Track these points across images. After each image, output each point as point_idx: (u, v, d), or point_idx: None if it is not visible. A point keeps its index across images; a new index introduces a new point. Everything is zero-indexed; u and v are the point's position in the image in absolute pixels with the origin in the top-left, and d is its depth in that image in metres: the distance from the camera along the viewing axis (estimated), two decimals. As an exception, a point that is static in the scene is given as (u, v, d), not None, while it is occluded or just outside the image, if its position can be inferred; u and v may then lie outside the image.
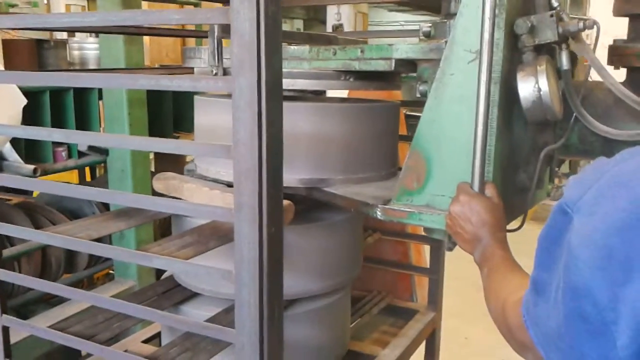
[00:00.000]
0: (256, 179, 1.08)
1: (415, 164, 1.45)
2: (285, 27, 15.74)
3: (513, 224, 1.52)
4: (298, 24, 16.38)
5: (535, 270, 0.80)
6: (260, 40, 1.03)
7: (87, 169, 4.30)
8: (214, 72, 1.57)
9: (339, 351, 1.94)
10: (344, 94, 2.58)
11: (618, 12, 1.50)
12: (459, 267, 2.89)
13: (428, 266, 2.51)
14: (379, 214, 1.49)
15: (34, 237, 1.50)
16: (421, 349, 2.47)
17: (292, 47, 1.61)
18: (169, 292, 1.88)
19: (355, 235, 1.92)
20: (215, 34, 1.36)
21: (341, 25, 9.15)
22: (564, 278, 0.69)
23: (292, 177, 1.59)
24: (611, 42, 1.54)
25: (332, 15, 8.73)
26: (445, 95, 1.38)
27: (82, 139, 1.88)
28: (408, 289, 2.67)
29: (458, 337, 4.49)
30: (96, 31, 3.31)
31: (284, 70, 1.11)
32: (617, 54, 1.49)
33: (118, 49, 2.79)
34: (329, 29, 8.71)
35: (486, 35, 1.23)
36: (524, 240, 1.57)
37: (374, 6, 15.01)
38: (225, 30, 1.34)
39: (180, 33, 4.25)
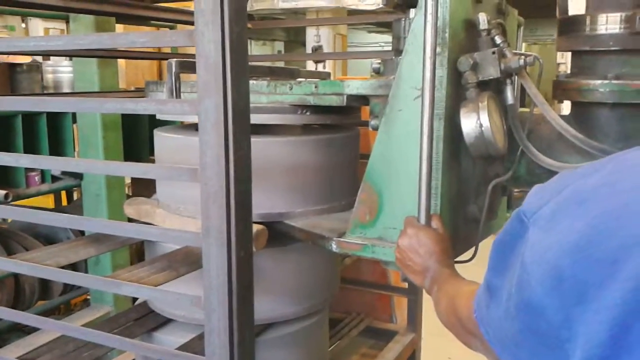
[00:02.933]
0: (224, 203, 1.07)
1: (367, 197, 1.46)
2: (266, 49, 15.86)
3: (465, 256, 1.51)
4: (279, 46, 16.46)
5: (488, 272, 0.81)
6: (225, 62, 1.02)
7: (63, 193, 4.23)
8: None
9: (317, 375, 1.91)
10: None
11: (560, 47, 1.53)
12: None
13: (406, 286, 2.49)
14: (334, 247, 1.50)
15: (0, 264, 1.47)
16: (402, 371, 2.44)
17: (252, 81, 1.61)
18: (143, 319, 1.85)
19: (332, 256, 1.90)
20: (173, 69, 1.34)
21: (320, 47, 9.18)
22: (518, 293, 0.69)
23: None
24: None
25: (312, 37, 8.79)
26: (394, 130, 1.39)
27: (50, 164, 1.84)
28: (387, 310, 2.65)
29: (441, 357, 4.46)
30: (66, 55, 3.27)
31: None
32: (560, 88, 1.51)
33: (92, 72, 2.76)
34: (309, 50, 8.75)
35: (427, 74, 1.25)
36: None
37: (353, 28, 15.15)
38: (184, 66, 1.33)
39: (154, 56, 4.19)
